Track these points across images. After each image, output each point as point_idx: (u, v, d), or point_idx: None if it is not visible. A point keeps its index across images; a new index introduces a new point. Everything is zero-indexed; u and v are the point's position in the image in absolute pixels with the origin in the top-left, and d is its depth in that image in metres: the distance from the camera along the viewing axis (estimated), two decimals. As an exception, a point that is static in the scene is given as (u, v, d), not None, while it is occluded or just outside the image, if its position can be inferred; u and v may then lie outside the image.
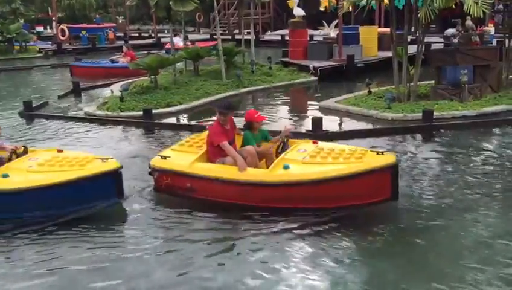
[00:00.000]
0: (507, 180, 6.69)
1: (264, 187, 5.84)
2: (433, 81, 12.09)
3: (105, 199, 5.92)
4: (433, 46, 16.80)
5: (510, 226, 5.48)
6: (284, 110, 12.50)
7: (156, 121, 10.77)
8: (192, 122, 10.90)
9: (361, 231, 5.42)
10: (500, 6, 22.77)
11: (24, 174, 5.91)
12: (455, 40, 11.62)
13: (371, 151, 5.98)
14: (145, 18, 43.50)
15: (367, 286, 4.45)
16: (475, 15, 9.59)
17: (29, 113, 11.97)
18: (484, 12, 9.78)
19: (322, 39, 18.86)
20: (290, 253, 5.02)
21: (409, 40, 11.91)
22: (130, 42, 30.57)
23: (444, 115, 9.97)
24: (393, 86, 11.81)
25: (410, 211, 5.89)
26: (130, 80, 15.65)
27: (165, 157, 6.37)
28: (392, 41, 11.25)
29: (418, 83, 11.47)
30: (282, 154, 6.16)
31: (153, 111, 11.07)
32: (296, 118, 11.56)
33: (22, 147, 6.57)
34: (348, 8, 13.20)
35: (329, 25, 18.20)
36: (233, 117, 6.64)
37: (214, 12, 17.79)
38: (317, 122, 9.23)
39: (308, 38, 19.30)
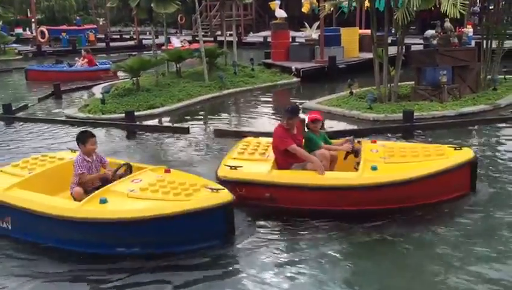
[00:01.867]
0: (487, 180, 6.80)
1: (357, 190, 5.63)
2: (413, 82, 12.26)
3: (212, 239, 4.91)
4: (413, 48, 17.03)
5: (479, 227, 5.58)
6: (266, 112, 12.55)
7: (138, 123, 10.72)
8: (176, 124, 10.90)
9: (345, 231, 5.46)
10: (477, 8, 23.23)
11: (123, 201, 4.99)
12: (434, 42, 11.76)
13: (448, 147, 6.24)
14: (126, 20, 43.25)
15: (347, 285, 4.50)
16: (452, 16, 9.77)
17: (9, 116, 11.81)
18: (462, 14, 9.98)
19: (304, 41, 18.98)
20: (274, 253, 5.05)
21: (389, 41, 12.08)
22: (112, 44, 30.47)
23: (424, 115, 10.12)
24: (374, 87, 11.95)
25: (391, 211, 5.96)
26: (112, 82, 15.58)
27: (234, 167, 5.93)
28: (372, 43, 11.39)
29: (399, 83, 11.62)
30: (360, 156, 6.07)
31: (136, 113, 11.02)
32: (279, 119, 11.62)
33: (124, 166, 5.73)
34: (329, 10, 13.32)
35: (311, 26, 18.31)
36: (300, 122, 6.36)
37: (196, 14, 17.77)
38: (300, 123, 9.28)
39: (290, 40, 19.42)
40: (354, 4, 13.39)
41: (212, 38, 27.39)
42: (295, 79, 15.93)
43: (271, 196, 5.73)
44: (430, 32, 17.59)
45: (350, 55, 17.51)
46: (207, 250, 4.91)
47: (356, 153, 6.26)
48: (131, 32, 35.06)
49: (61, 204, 5.16)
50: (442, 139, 8.92)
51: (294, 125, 6.12)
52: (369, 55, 16.97)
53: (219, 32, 30.89)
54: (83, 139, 5.70)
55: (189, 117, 11.61)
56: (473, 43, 15.87)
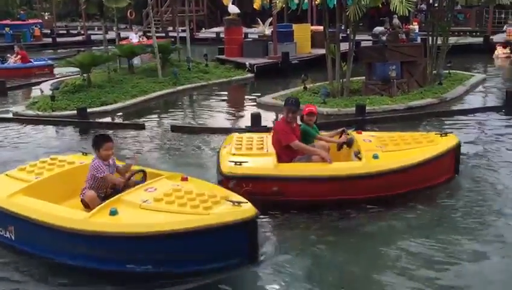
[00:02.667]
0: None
1: (364, 179, 5.78)
2: (364, 77, 12.63)
3: (233, 258, 4.39)
4: (362, 44, 17.49)
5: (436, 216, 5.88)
6: (222, 107, 12.60)
7: (91, 121, 10.50)
8: (131, 121, 10.75)
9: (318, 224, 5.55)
10: (423, 6, 24.11)
11: (136, 212, 4.54)
12: (384, 38, 12.16)
13: (434, 134, 6.67)
14: (73, 14, 41.89)
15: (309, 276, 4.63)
16: (401, 14, 10.15)
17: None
18: (409, 11, 10.37)
19: (257, 37, 19.10)
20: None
21: (340, 37, 12.36)
22: (59, 39, 29.46)
23: (375, 109, 10.47)
24: (327, 82, 12.22)
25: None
26: (61, 78, 15.13)
27: (240, 163, 5.79)
28: (325, 39, 11.64)
29: (351, 78, 11.94)
30: (357, 146, 6.27)
31: (88, 110, 10.78)
32: (235, 114, 11.71)
33: (142, 173, 5.24)
34: (282, 6, 13.51)
35: (263, 22, 18.45)
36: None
37: (148, 8, 17.51)
38: (256, 117, 9.39)
39: (243, 36, 19.48)
40: (305, 2, 13.72)
41: (163, 34, 27.03)
42: (249, 75, 16.02)
43: (279, 190, 5.71)
44: (378, 28, 18.08)
45: (302, 51, 17.77)
46: (226, 270, 4.43)
47: (349, 144, 6.43)
48: (79, 28, 33.99)
49: (68, 214, 4.68)
50: (393, 131, 9.26)
51: (296, 119, 6.18)
52: (321, 51, 17.30)
53: (170, 28, 30.51)
54: (99, 143, 5.21)
55: (144, 113, 11.47)
56: (419, 39, 16.51)
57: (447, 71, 13.83)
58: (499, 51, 19.67)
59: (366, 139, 6.53)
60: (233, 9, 17.86)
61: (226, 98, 14.19)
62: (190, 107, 13.01)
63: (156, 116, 11.54)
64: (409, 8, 10.06)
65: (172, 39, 19.11)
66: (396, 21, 12.28)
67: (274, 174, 5.78)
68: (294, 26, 18.12)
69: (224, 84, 15.28)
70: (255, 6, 23.41)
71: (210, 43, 25.57)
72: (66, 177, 5.53)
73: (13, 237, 4.97)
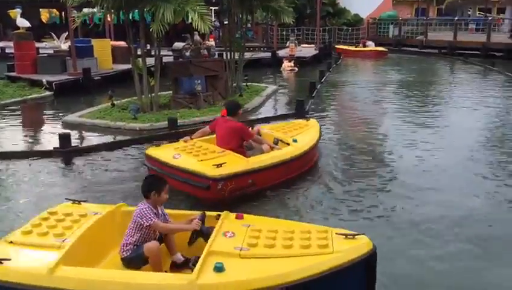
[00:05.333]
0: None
1: (298, 160, 7.14)
2: (171, 92, 12.97)
3: None
4: (164, 59, 17.87)
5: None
6: (20, 130, 11.51)
7: None
8: None
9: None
10: (217, 23, 25.73)
11: (242, 263, 3.72)
12: (187, 53, 12.70)
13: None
14: None
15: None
16: (202, 31, 10.76)
17: None
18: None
19: (52, 52, 17.94)
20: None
21: (139, 52, 12.48)
22: None
23: (186, 122, 10.86)
24: (135, 98, 12.20)
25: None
26: None
27: (220, 165, 6.21)
28: (131, 55, 11.63)
29: (159, 93, 12.15)
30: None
31: None
32: (37, 136, 10.87)
33: (204, 217, 4.29)
34: (80, 21, 13.04)
35: (58, 37, 17.45)
36: None
37: None
38: (65, 137, 8.90)
39: (36, 51, 18.08)
40: (97, 17, 13.49)
41: None
42: (47, 92, 14.98)
43: (253, 182, 6.47)
44: (178, 44, 18.78)
45: (104, 67, 17.34)
46: None
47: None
48: None
49: (168, 281, 3.65)
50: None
51: None
52: (123, 67, 17.26)
53: None
54: (160, 186, 4.28)
55: None
56: (216, 54, 17.60)
57: (245, 84, 15.09)
58: (285, 64, 22.19)
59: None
60: (23, 22, 16.48)
61: (23, 119, 12.97)
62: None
63: None
64: (210, 26, 10.73)
65: None
66: (197, 38, 12.94)
67: (249, 169, 6.48)
68: (94, 41, 17.58)
69: (19, 104, 13.98)
70: (42, 19, 22.00)
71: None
72: (92, 234, 4.35)
73: None
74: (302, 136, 7.87)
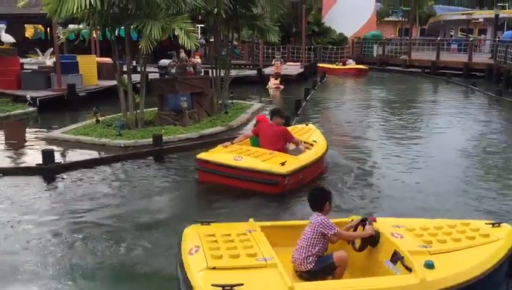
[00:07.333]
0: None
1: (323, 157, 8.44)
2: (156, 108, 12.95)
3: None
4: (150, 76, 17.88)
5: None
6: (3, 146, 11.35)
7: None
8: None
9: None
10: (203, 41, 25.88)
11: (439, 261, 3.98)
12: (173, 70, 12.74)
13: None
14: None
15: None
16: (189, 48, 10.82)
17: None
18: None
19: (37, 68, 17.84)
20: None
21: (125, 69, 12.47)
22: None
23: (171, 139, 10.83)
24: (120, 114, 12.16)
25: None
26: None
27: (283, 163, 7.19)
28: (116, 71, 11.63)
29: (144, 110, 12.13)
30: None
31: None
32: (22, 153, 10.74)
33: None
34: (66, 38, 13.03)
35: (43, 53, 17.39)
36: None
37: None
38: (48, 154, 8.79)
39: (20, 67, 17.96)
40: (83, 32, 13.47)
41: None
42: (31, 108, 14.86)
43: (302, 177, 7.46)
44: (163, 61, 18.83)
45: (89, 83, 17.29)
46: None
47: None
48: None
49: (400, 282, 3.86)
50: (190, 159, 9.72)
51: None
52: (108, 83, 17.20)
53: None
54: (331, 197, 4.61)
55: None
56: (202, 72, 17.65)
57: (231, 101, 15.14)
58: (271, 82, 22.32)
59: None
60: (7, 38, 16.41)
61: (6, 135, 12.79)
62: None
63: None
64: (196, 44, 10.79)
65: None
66: (183, 55, 13.01)
67: (302, 165, 7.48)
68: (79, 58, 17.55)
69: (1, 120, 13.83)
70: (27, 34, 21.92)
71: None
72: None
73: None
74: (314, 137, 8.88)
